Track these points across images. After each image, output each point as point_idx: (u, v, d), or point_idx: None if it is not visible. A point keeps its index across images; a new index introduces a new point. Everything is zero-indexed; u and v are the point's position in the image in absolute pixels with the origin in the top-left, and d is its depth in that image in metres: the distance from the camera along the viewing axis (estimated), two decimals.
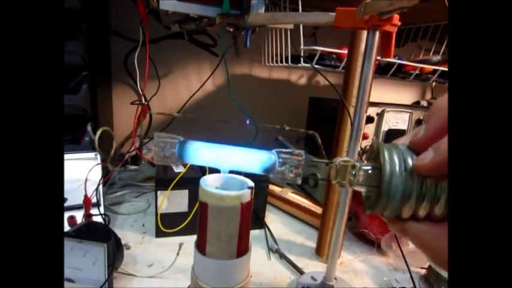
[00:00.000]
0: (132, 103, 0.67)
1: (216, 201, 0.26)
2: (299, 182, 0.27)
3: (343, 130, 0.58)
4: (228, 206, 0.26)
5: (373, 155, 0.23)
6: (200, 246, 0.29)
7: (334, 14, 0.39)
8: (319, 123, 0.92)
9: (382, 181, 0.20)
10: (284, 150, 0.27)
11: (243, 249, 0.29)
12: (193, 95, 0.69)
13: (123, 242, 0.64)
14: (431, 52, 1.01)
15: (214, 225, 0.27)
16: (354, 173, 0.22)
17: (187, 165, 0.67)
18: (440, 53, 0.95)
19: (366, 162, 0.23)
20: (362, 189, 0.23)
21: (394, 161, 0.20)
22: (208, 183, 0.28)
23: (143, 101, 0.66)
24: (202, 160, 0.28)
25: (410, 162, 0.20)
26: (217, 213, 0.27)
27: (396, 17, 0.37)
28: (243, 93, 0.99)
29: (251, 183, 0.29)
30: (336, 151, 0.59)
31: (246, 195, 0.27)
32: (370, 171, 0.22)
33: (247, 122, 0.75)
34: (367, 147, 0.84)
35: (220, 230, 0.27)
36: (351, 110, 0.57)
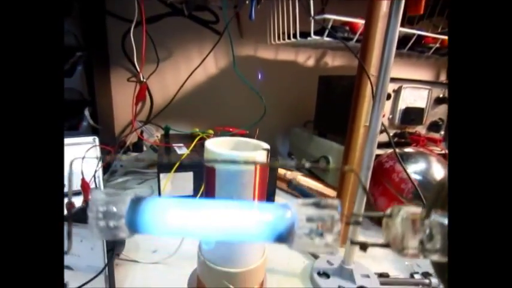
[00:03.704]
0: (128, 79, 0.63)
1: (226, 164, 0.22)
2: (337, 251, 0.19)
3: (361, 104, 0.53)
4: (241, 170, 0.22)
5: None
6: None
7: None
8: (330, 102, 0.88)
9: None
10: (305, 200, 0.18)
11: None
12: (194, 71, 0.64)
13: None
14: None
15: (223, 194, 0.23)
16: (428, 232, 0.15)
17: (191, 146, 0.63)
18: None
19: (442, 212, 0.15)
20: (440, 259, 0.15)
21: None
22: (216, 145, 0.24)
23: (141, 79, 0.62)
24: (173, 230, 0.19)
25: None
26: (227, 179, 0.22)
27: None
28: (248, 75, 0.94)
29: (267, 145, 0.25)
30: (352, 129, 0.55)
31: (262, 157, 0.23)
32: None
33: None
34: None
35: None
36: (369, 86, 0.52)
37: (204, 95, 1.02)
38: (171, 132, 0.84)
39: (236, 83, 0.99)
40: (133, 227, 0.19)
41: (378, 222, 0.68)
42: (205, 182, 0.24)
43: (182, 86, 0.69)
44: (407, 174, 0.53)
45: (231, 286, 0.23)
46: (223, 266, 0.25)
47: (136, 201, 0.20)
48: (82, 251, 0.42)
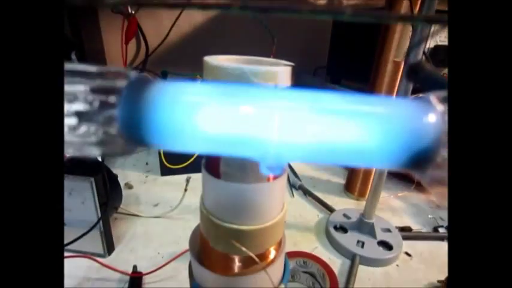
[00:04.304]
0: (112, 10, 0.54)
1: (235, 82, 0.15)
2: None
3: (391, 34, 0.44)
4: None
5: None
6: (210, 165, 0.19)
7: None
8: (346, 43, 0.78)
9: None
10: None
11: None
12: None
13: (124, 182, 0.56)
14: None
15: None
16: None
17: None
18: None
19: None
20: None
21: None
22: (220, 61, 0.17)
23: (129, 11, 0.53)
24: (218, 136, 0.12)
25: None
26: None
27: None
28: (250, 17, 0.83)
29: (289, 62, 0.18)
30: (379, 64, 0.47)
31: (285, 74, 0.16)
32: None
33: None
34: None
35: None
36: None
37: (204, 36, 0.92)
38: (170, 78, 0.76)
39: (239, 22, 0.89)
40: (137, 131, 0.12)
41: (396, 174, 0.63)
42: None
43: (177, 19, 0.60)
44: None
45: (243, 248, 0.18)
46: (231, 222, 0.19)
47: (141, 84, 0.12)
48: (72, 205, 0.38)
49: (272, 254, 0.22)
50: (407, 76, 0.26)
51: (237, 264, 0.21)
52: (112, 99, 0.12)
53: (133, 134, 0.12)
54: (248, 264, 0.20)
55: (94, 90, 0.12)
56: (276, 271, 0.22)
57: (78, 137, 0.12)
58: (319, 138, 0.12)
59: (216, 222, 0.19)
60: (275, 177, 0.19)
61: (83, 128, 0.12)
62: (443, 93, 0.12)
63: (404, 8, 0.41)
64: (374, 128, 0.11)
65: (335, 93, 0.12)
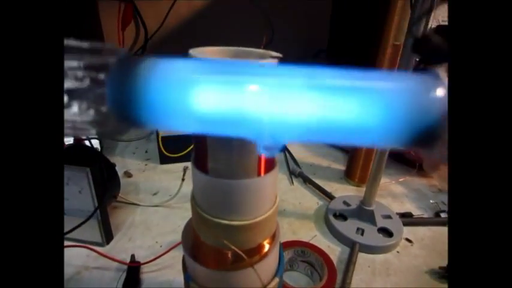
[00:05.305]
0: None
1: None
2: None
3: (390, 16, 0.42)
4: None
5: None
6: (199, 161, 0.18)
7: None
8: (347, 23, 0.75)
9: None
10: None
11: (265, 162, 0.18)
12: None
13: (124, 170, 0.56)
14: None
15: None
16: None
17: None
18: None
19: None
20: None
21: None
22: (206, 54, 0.16)
23: None
24: (209, 116, 0.11)
25: None
26: None
27: None
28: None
29: (277, 54, 0.17)
30: (378, 48, 0.45)
31: None
32: None
33: None
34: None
35: None
36: None
37: (204, 20, 0.90)
38: None
39: (238, 6, 0.86)
40: (127, 110, 0.11)
41: (398, 159, 0.62)
42: None
43: (174, 3, 0.58)
44: None
45: (231, 246, 0.18)
46: (221, 217, 0.19)
47: (130, 62, 0.11)
48: (69, 194, 0.38)
49: (266, 247, 0.22)
50: (413, 48, 0.24)
51: (228, 258, 0.20)
52: (102, 76, 0.11)
53: (123, 113, 0.12)
54: (240, 258, 0.20)
55: (84, 67, 0.11)
56: (270, 264, 0.22)
57: (70, 116, 0.12)
58: (316, 116, 0.11)
59: (206, 217, 0.19)
60: (265, 172, 0.18)
61: (74, 107, 0.12)
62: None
63: None
64: (375, 104, 0.11)
65: (332, 68, 0.11)
